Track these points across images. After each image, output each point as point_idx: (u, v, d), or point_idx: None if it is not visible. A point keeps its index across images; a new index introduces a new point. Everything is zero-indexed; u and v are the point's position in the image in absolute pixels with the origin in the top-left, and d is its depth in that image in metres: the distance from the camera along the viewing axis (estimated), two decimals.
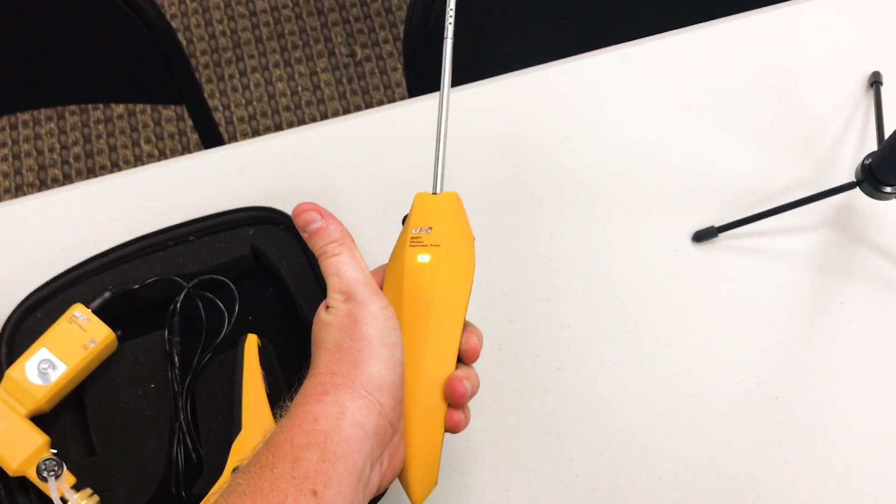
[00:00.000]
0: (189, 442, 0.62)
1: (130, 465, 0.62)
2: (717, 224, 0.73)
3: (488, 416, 0.67)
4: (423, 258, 0.53)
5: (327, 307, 0.51)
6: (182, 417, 0.63)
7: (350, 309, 0.49)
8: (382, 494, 0.55)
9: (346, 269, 0.51)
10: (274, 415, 0.56)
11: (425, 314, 0.52)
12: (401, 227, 0.57)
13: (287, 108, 1.91)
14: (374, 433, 0.47)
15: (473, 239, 0.56)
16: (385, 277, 0.55)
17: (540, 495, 0.65)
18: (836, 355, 0.70)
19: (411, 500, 0.53)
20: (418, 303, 0.52)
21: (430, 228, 0.54)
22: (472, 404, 0.55)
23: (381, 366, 0.48)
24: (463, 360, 0.54)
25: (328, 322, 0.50)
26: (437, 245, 0.53)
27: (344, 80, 1.93)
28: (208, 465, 0.61)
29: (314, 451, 0.44)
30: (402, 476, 0.53)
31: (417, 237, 0.54)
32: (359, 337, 0.48)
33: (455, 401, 0.52)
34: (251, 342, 0.64)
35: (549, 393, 0.68)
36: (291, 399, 0.49)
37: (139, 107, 1.91)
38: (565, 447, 0.67)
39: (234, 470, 0.47)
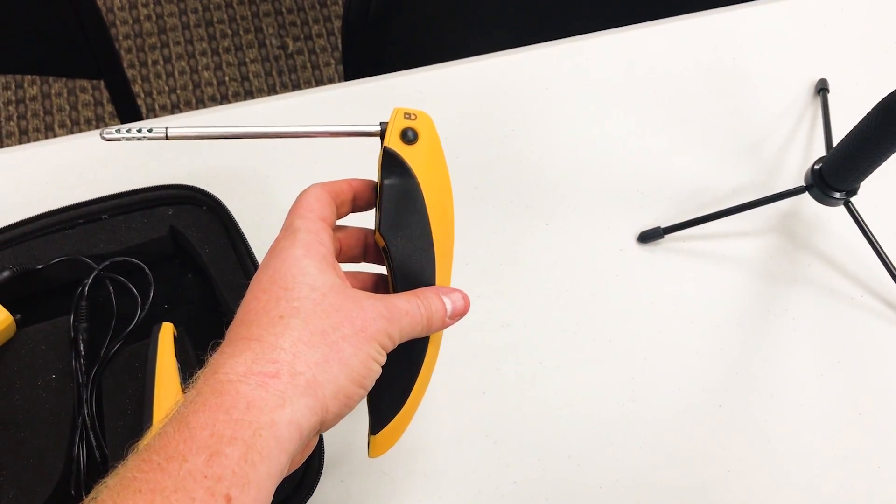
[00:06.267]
0: (93, 438, 0.56)
1: (25, 464, 0.56)
2: (663, 225, 0.71)
3: (421, 418, 0.63)
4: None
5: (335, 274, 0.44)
6: (86, 411, 0.57)
7: (371, 313, 0.43)
8: None
9: (407, 321, 0.45)
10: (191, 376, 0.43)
11: None
12: None
13: (213, 99, 1.84)
14: (307, 436, 0.40)
15: None
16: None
17: (474, 503, 0.61)
18: (780, 363, 0.68)
19: (374, 453, 0.49)
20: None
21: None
22: None
23: (347, 378, 0.41)
24: None
25: (335, 289, 0.43)
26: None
27: (274, 73, 1.87)
28: (113, 464, 0.56)
29: (238, 446, 0.36)
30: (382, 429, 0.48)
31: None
32: (354, 341, 0.41)
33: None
34: (166, 331, 0.58)
35: (487, 395, 0.65)
36: (214, 350, 0.41)
37: (54, 89, 1.81)
38: (502, 452, 0.63)
39: (129, 447, 0.38)
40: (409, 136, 0.48)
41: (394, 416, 0.47)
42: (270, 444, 0.37)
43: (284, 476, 0.41)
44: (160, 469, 0.35)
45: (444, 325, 0.47)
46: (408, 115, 0.49)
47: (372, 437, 0.47)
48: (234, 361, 0.39)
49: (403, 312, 0.44)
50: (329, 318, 0.41)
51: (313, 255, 0.44)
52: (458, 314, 0.48)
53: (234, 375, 0.38)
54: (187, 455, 0.35)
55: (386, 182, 0.47)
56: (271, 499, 0.38)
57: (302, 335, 0.40)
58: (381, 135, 0.49)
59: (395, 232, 0.47)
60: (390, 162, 0.48)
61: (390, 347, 0.44)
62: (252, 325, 0.41)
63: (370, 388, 0.43)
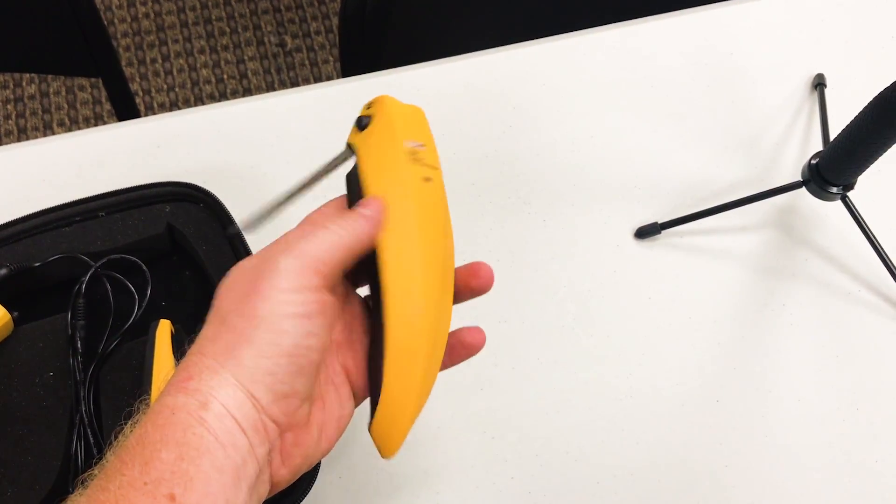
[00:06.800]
0: (91, 436, 0.57)
1: (22, 461, 0.56)
2: (660, 220, 0.71)
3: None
4: (428, 180, 0.44)
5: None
6: (84, 409, 0.57)
7: (256, 276, 0.39)
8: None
9: (317, 243, 0.40)
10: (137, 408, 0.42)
11: (436, 249, 0.44)
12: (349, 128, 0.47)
13: (211, 97, 1.84)
14: (250, 428, 0.38)
15: None
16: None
17: (472, 498, 0.61)
18: (778, 358, 0.68)
19: (385, 452, 0.44)
20: (430, 234, 0.44)
21: (424, 146, 0.45)
22: None
23: (255, 353, 0.38)
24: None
25: (226, 283, 0.40)
26: (435, 168, 0.45)
27: (272, 70, 1.87)
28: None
29: (170, 448, 0.35)
30: (381, 426, 0.43)
31: (415, 153, 0.44)
32: (246, 313, 0.38)
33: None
34: (163, 328, 0.58)
35: (485, 390, 0.65)
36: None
37: (52, 87, 1.81)
38: (500, 448, 0.63)
39: (80, 482, 0.38)
40: (362, 123, 0.46)
41: (377, 400, 0.43)
42: (207, 439, 0.36)
43: (264, 486, 0.39)
44: (101, 489, 0.35)
45: (368, 220, 0.42)
46: (367, 106, 0.48)
47: (370, 429, 0.43)
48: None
49: (294, 238, 0.41)
50: (229, 304, 0.40)
51: (255, 259, 0.42)
52: (371, 202, 0.43)
53: (160, 395, 0.38)
54: (123, 469, 0.35)
55: (347, 174, 0.46)
56: (238, 493, 0.37)
57: (207, 333, 0.40)
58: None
59: None
60: (347, 155, 0.47)
61: (314, 279, 0.40)
62: None
63: (306, 351, 0.39)
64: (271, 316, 0.38)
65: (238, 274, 0.41)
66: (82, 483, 0.37)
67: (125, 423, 0.39)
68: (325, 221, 0.42)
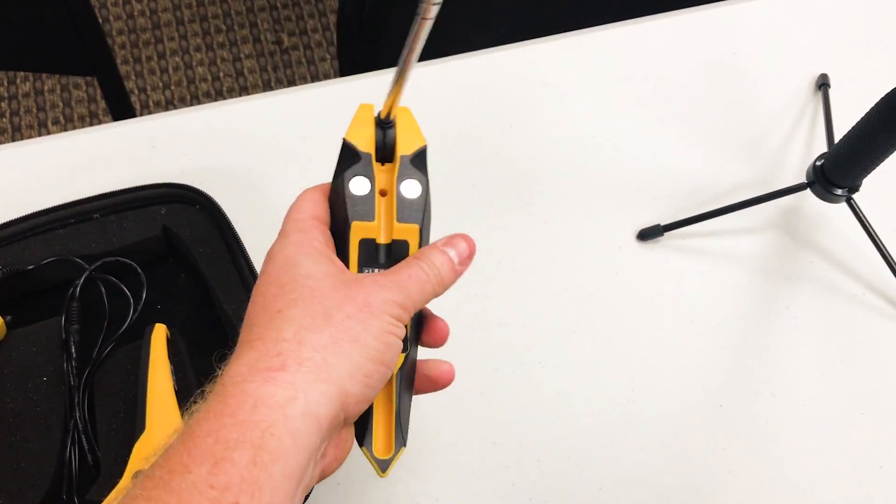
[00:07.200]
0: (85, 442, 0.56)
1: (16, 468, 0.55)
2: (662, 222, 0.70)
3: (418, 420, 0.62)
4: None
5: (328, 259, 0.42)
6: (78, 414, 0.56)
7: (368, 297, 0.41)
8: None
9: (419, 289, 0.43)
10: (195, 397, 0.42)
11: None
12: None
13: (207, 95, 1.82)
14: (327, 425, 0.37)
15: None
16: None
17: None
18: (782, 361, 0.67)
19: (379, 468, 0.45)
20: None
21: None
22: None
23: (363, 355, 0.39)
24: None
25: (332, 274, 0.41)
26: None
27: (269, 69, 1.86)
28: (106, 468, 0.55)
29: (245, 450, 0.34)
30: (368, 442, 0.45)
31: None
32: (359, 319, 0.39)
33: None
34: (159, 333, 0.57)
35: (485, 395, 0.64)
36: (223, 360, 0.39)
37: (47, 86, 1.80)
38: (501, 454, 0.62)
39: (135, 474, 0.36)
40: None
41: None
42: (285, 442, 0.35)
43: (313, 480, 0.39)
44: (163, 485, 0.33)
45: (457, 274, 0.45)
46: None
47: (403, 448, 0.45)
48: (237, 364, 0.38)
49: (406, 277, 0.42)
50: (330, 301, 0.40)
51: (305, 250, 0.42)
52: (466, 258, 0.46)
53: (238, 377, 0.37)
54: (191, 466, 0.33)
55: (427, 181, 0.46)
56: (296, 498, 0.36)
57: (304, 322, 0.39)
58: (385, 124, 0.48)
59: (426, 234, 0.46)
60: (423, 163, 0.46)
61: (406, 318, 0.42)
62: (253, 327, 0.40)
63: (392, 367, 0.41)
64: (380, 332, 0.40)
65: (335, 280, 0.41)
66: (136, 474, 0.35)
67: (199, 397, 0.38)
68: (420, 259, 0.44)
